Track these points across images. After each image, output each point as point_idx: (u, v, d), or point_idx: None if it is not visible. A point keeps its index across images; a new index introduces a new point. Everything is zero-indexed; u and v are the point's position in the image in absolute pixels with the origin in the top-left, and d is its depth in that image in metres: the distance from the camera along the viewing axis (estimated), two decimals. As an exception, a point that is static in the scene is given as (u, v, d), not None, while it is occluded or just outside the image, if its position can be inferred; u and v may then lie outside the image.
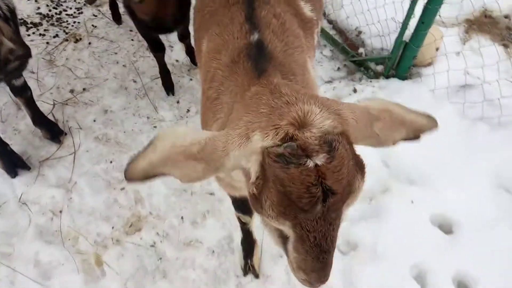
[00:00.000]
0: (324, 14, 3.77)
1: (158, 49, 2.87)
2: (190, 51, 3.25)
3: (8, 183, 2.59)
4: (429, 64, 3.13)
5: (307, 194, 0.92)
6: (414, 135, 1.16)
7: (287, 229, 1.01)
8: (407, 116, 1.14)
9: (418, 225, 2.36)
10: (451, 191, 2.47)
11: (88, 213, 2.49)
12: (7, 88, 2.62)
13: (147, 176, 1.04)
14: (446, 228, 2.41)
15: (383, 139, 1.12)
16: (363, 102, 1.14)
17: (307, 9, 1.76)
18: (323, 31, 3.58)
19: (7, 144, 2.59)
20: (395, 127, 1.12)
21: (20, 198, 2.53)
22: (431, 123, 1.17)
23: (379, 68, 3.28)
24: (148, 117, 2.98)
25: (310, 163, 0.92)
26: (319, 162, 0.93)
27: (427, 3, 2.74)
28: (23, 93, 2.56)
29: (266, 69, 1.26)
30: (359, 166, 1.02)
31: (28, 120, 2.87)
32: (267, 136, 0.97)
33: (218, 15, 1.60)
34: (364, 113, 1.07)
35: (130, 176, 1.05)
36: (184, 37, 3.04)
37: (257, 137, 0.99)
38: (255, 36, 1.39)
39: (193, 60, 3.31)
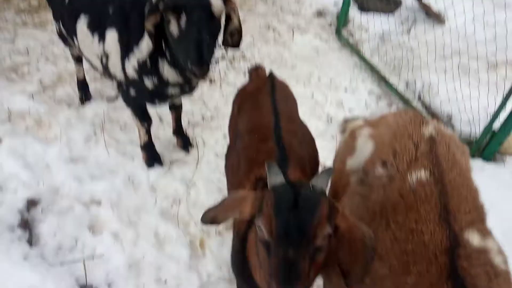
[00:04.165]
0: (419, 97, 4.29)
1: None
2: None
3: (145, 172, 3.30)
4: (513, 153, 3.43)
5: None
6: None
7: None
8: None
9: None
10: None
11: (200, 207, 3.07)
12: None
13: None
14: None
15: None
16: None
17: None
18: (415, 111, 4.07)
19: (154, 144, 3.35)
20: None
21: (151, 184, 3.21)
22: None
23: (465, 149, 3.63)
24: (257, 148, 3.62)
25: None
26: None
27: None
28: (178, 109, 3.36)
29: None
30: None
31: (166, 131, 3.69)
32: None
33: None
34: None
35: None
36: None
37: None
38: None
39: None
